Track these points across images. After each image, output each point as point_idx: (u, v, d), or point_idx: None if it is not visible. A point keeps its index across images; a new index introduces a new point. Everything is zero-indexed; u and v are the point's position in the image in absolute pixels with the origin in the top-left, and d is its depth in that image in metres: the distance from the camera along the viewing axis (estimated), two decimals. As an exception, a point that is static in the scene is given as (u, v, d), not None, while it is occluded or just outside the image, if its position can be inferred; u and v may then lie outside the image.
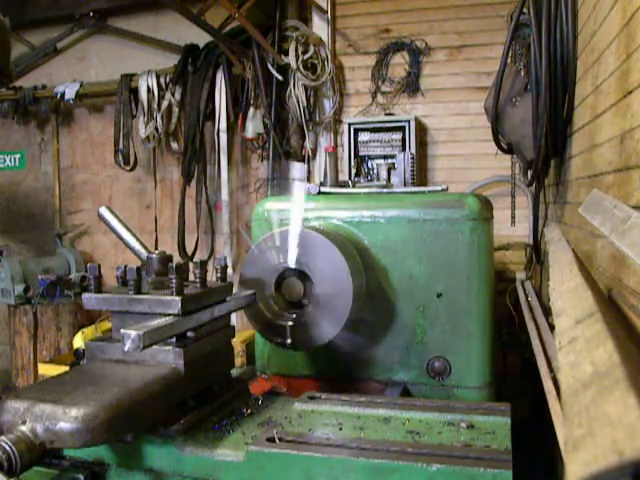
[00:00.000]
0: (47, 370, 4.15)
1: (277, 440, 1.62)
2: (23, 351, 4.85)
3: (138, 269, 1.79)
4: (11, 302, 4.79)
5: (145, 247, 2.14)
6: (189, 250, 5.09)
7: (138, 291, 1.77)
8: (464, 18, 4.68)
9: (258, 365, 2.62)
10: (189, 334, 1.83)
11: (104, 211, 2.20)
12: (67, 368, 3.79)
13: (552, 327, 2.18)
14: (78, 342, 4.02)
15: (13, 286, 4.74)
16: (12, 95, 5.47)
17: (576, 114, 2.74)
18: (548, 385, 1.78)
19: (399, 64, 4.85)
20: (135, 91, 5.07)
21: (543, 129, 2.74)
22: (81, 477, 1.66)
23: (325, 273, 2.12)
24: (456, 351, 2.33)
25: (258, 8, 4.45)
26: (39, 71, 5.70)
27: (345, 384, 2.42)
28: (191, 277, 1.92)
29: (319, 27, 4.87)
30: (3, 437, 1.34)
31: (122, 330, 1.50)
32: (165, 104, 4.93)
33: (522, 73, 3.25)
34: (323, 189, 2.71)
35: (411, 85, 4.80)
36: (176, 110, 4.99)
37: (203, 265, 1.86)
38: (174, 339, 1.75)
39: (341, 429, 1.73)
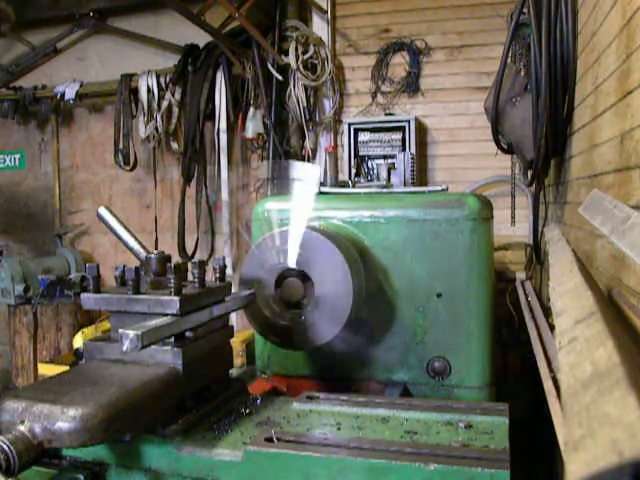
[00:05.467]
0: (47, 370, 4.15)
1: (275, 440, 1.62)
2: (23, 351, 4.85)
3: (137, 269, 1.79)
4: (11, 302, 4.79)
5: (144, 247, 2.14)
6: (189, 250, 5.09)
7: (137, 291, 1.77)
8: (464, 18, 4.68)
9: (258, 365, 2.62)
10: (187, 334, 1.83)
11: (103, 211, 2.20)
12: (67, 368, 3.80)
13: (552, 327, 2.18)
14: (78, 342, 4.02)
15: (13, 286, 4.74)
16: (12, 95, 5.47)
17: (576, 114, 2.74)
18: (548, 385, 1.78)
19: (399, 64, 4.86)
20: (135, 91, 5.07)
21: (543, 129, 2.74)
22: (81, 477, 1.65)
23: (325, 273, 2.12)
24: (456, 351, 2.33)
25: (258, 8, 4.45)
26: (39, 71, 5.70)
27: (345, 384, 2.41)
28: (190, 277, 1.91)
29: (319, 27, 4.87)
30: (1, 437, 1.34)
31: (120, 330, 1.50)
32: (165, 104, 4.93)
33: (522, 73, 3.25)
34: (323, 189, 2.71)
35: (411, 85, 4.80)
36: (176, 110, 4.99)
37: (201, 265, 1.86)
38: (172, 339, 1.75)
39: (339, 429, 1.73)
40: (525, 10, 2.80)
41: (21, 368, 4.88)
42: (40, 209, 5.86)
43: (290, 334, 2.18)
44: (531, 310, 3.01)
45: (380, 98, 4.90)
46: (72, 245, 5.67)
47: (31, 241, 5.85)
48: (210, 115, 4.96)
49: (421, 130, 4.74)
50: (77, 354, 3.90)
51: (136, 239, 2.16)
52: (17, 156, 5.90)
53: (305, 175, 2.35)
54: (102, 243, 5.62)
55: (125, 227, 2.19)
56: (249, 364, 3.12)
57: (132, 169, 5.19)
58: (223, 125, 4.93)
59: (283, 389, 2.48)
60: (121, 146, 5.10)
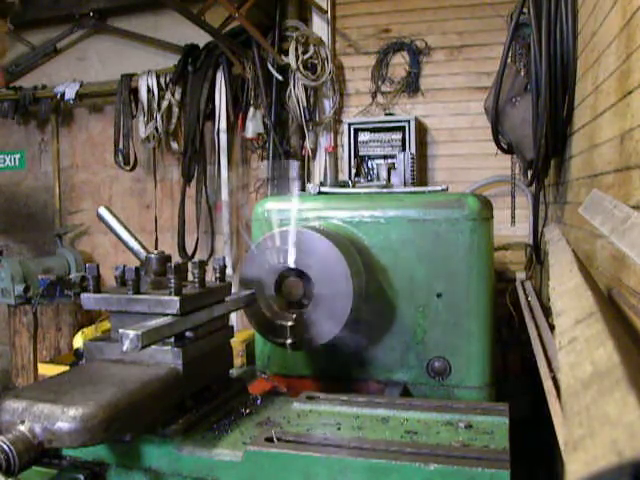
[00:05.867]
0: (47, 370, 4.15)
1: (275, 440, 1.62)
2: (23, 351, 4.85)
3: (137, 269, 1.78)
4: (11, 302, 4.79)
5: (144, 247, 2.14)
6: (189, 250, 5.09)
7: (137, 291, 1.76)
8: (464, 18, 4.68)
9: (258, 365, 2.62)
10: (188, 334, 1.82)
11: (103, 211, 2.20)
12: (67, 368, 3.80)
13: (552, 327, 2.18)
14: (78, 342, 4.02)
15: (13, 286, 4.74)
16: (12, 95, 5.47)
17: (576, 114, 2.74)
18: (548, 385, 1.78)
19: (399, 64, 4.85)
20: (135, 91, 5.07)
21: (543, 129, 2.74)
22: (81, 477, 1.65)
23: (325, 273, 2.12)
24: (456, 351, 2.33)
25: (258, 8, 4.45)
26: (39, 71, 5.70)
27: (345, 384, 2.41)
28: (190, 277, 1.91)
29: (319, 27, 4.87)
30: (1, 437, 1.33)
31: (120, 330, 1.49)
32: (165, 104, 4.93)
33: (522, 73, 3.25)
34: (323, 189, 2.71)
35: (411, 85, 4.80)
36: (176, 110, 4.98)
37: (202, 265, 1.86)
38: (173, 339, 1.75)
39: (339, 429, 1.72)
40: (525, 10, 2.80)
41: (21, 368, 4.88)
42: (40, 209, 5.86)
43: (290, 334, 2.18)
44: (531, 310, 3.01)
45: (380, 98, 4.90)
46: (72, 245, 5.67)
47: (31, 241, 5.85)
48: (210, 115, 4.96)
49: (421, 130, 4.74)
50: (77, 354, 3.90)
51: (136, 239, 2.16)
52: (17, 156, 5.90)
53: (305, 176, 2.35)
54: (102, 243, 5.62)
55: (125, 227, 2.19)
56: (249, 364, 3.13)
57: (132, 169, 5.19)
58: (223, 125, 4.93)
59: (283, 389, 2.48)
60: (121, 146, 5.10)
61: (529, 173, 3.49)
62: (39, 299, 4.68)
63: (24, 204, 5.90)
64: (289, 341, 2.18)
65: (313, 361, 2.50)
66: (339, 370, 2.46)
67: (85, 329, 4.16)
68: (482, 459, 1.48)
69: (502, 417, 1.77)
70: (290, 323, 2.17)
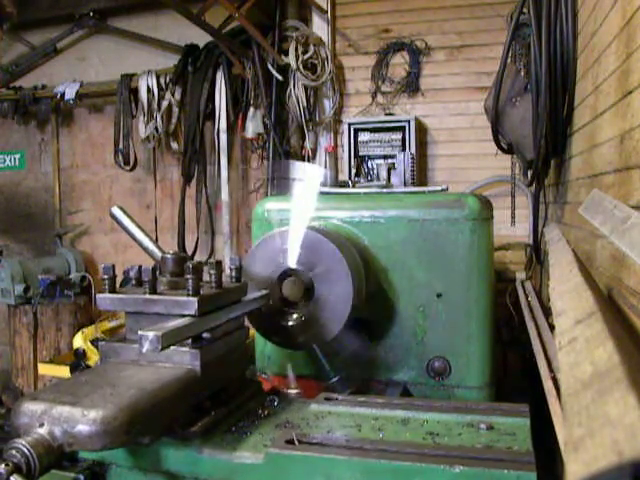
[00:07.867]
0: (47, 370, 4.16)
1: (297, 442, 1.59)
2: (23, 351, 4.85)
3: (153, 269, 1.74)
4: (11, 302, 4.79)
5: (159, 247, 2.10)
6: (189, 250, 5.09)
7: (153, 291, 1.73)
8: (464, 18, 4.68)
9: (258, 365, 2.62)
10: (205, 335, 1.79)
11: (116, 211, 2.16)
12: (67, 368, 3.80)
13: (552, 327, 2.18)
14: (78, 342, 4.02)
15: (13, 286, 4.74)
16: (12, 95, 5.47)
17: (576, 114, 2.74)
18: (548, 385, 1.79)
19: (399, 64, 4.86)
20: (135, 91, 5.07)
21: (543, 129, 2.74)
22: (81, 477, 1.65)
23: (325, 273, 2.12)
24: (456, 351, 2.33)
25: (258, 8, 4.45)
26: (39, 71, 5.70)
27: (345, 384, 2.41)
28: (206, 277, 1.87)
29: (319, 27, 4.87)
30: (21, 440, 1.30)
31: (140, 331, 1.46)
32: (165, 104, 4.94)
33: (522, 73, 3.25)
34: (323, 189, 2.70)
35: (411, 85, 4.80)
36: (176, 110, 4.99)
37: (219, 265, 1.82)
38: (190, 340, 1.72)
39: (360, 430, 1.70)
40: (525, 10, 2.80)
41: (21, 368, 4.88)
42: (40, 209, 5.86)
43: (290, 334, 2.18)
44: (531, 310, 3.01)
45: (380, 98, 4.90)
46: (72, 245, 5.67)
47: (31, 241, 5.85)
48: (210, 115, 4.96)
49: (421, 130, 4.74)
50: (77, 354, 3.90)
51: (151, 239, 2.12)
52: (17, 156, 5.90)
53: (305, 175, 2.34)
54: (102, 243, 5.62)
55: (139, 227, 2.15)
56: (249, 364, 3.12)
57: (132, 169, 5.19)
58: (223, 125, 4.93)
59: (283, 390, 2.47)
60: (121, 146, 5.10)
61: (529, 173, 3.49)
62: (39, 299, 4.68)
63: (24, 204, 5.90)
64: (289, 341, 2.18)
65: (313, 361, 2.50)
66: (339, 370, 2.46)
67: (85, 329, 4.16)
68: (506, 461, 1.45)
69: (523, 418, 1.75)
70: (290, 323, 2.17)
